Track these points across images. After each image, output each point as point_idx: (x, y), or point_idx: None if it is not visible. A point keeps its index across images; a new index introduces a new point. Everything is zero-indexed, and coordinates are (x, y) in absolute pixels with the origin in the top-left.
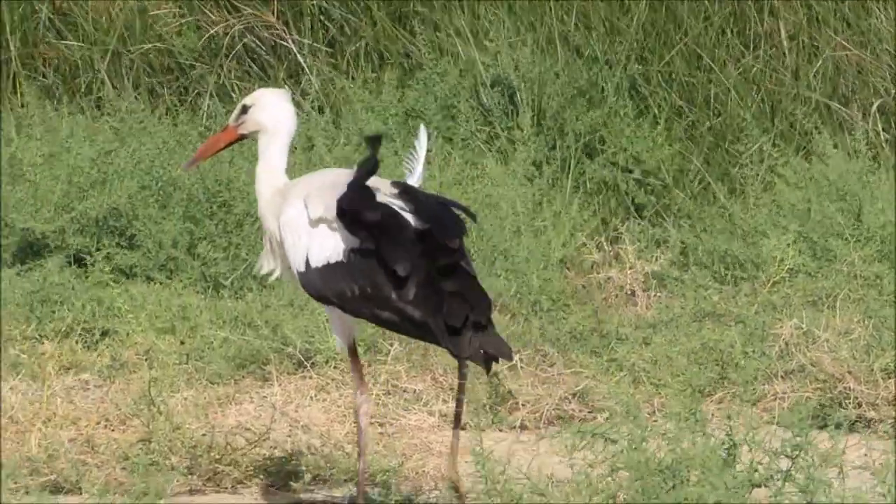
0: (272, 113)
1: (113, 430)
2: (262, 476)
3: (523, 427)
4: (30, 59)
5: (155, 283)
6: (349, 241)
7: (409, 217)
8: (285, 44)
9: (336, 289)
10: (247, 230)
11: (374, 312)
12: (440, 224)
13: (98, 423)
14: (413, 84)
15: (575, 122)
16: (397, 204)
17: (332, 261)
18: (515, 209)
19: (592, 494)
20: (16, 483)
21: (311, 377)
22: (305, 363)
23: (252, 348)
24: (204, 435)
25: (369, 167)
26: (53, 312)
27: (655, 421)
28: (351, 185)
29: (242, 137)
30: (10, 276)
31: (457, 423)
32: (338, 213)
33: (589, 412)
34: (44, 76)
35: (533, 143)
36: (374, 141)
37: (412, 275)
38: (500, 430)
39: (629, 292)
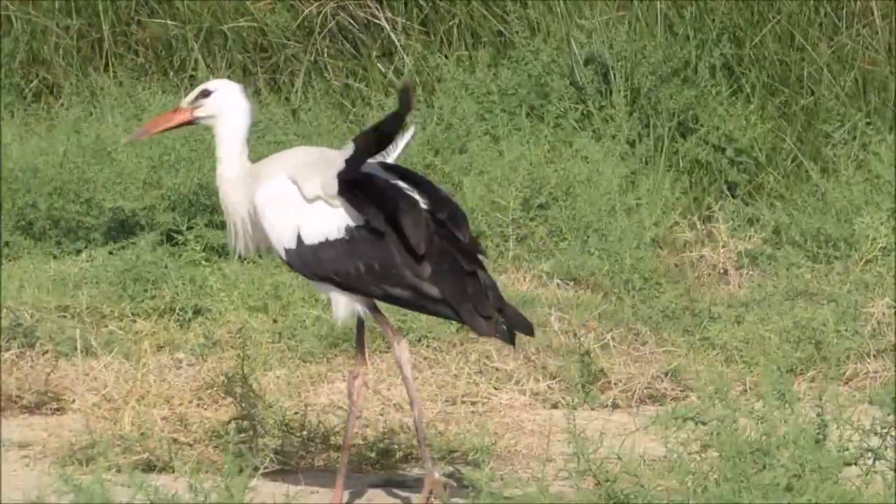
0: (232, 102)
1: (206, 409)
2: (353, 454)
3: (615, 406)
4: (122, 37)
5: (247, 262)
6: (352, 218)
7: (417, 198)
8: (378, 22)
9: (336, 267)
10: None
11: (384, 290)
12: (448, 208)
13: (191, 401)
14: (506, 63)
15: (668, 100)
16: (404, 184)
17: (332, 238)
18: (608, 187)
19: (685, 474)
20: (108, 461)
21: None
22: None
23: (345, 327)
24: (296, 413)
25: (379, 141)
26: (146, 291)
27: (747, 400)
28: (353, 159)
29: (192, 122)
30: (102, 255)
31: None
32: (342, 190)
33: (681, 391)
34: (136, 54)
35: (626, 121)
36: (405, 94)
37: (429, 252)
38: (592, 409)
39: (721, 271)
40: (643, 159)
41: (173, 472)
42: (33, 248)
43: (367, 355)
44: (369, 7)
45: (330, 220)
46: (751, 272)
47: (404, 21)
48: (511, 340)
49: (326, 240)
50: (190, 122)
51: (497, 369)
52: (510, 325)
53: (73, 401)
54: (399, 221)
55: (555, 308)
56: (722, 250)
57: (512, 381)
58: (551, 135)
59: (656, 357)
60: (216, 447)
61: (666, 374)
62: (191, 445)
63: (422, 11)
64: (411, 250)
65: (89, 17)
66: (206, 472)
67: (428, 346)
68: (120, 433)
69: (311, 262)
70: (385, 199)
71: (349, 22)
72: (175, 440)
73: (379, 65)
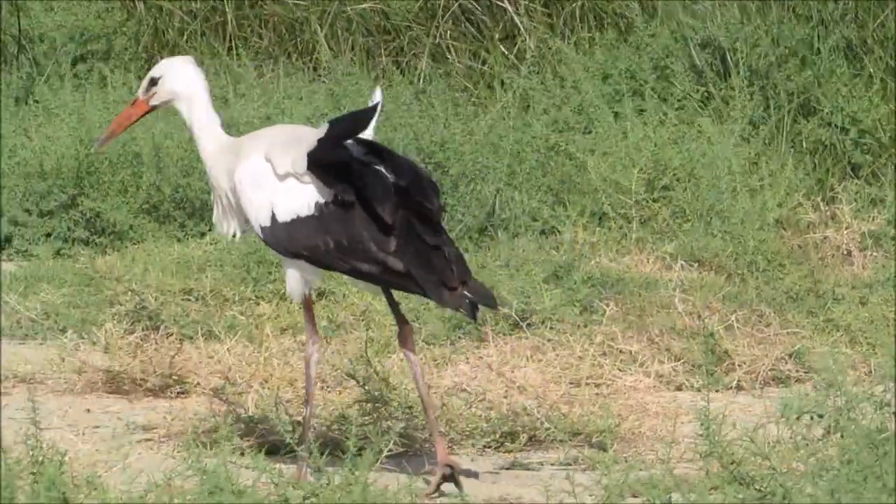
0: (182, 80)
1: (329, 392)
2: (477, 437)
3: (739, 388)
4: (246, 19)
5: None
6: (321, 195)
7: (384, 171)
8: (501, 4)
9: (307, 243)
10: (462, 191)
11: (352, 265)
12: (417, 181)
13: (314, 384)
14: (628, 45)
15: (787, 82)
16: (371, 159)
17: (302, 214)
18: (731, 169)
19: (809, 456)
20: (232, 444)
21: (526, 337)
22: (521, 323)
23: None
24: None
25: (355, 125)
26: (269, 273)
27: (871, 382)
28: (326, 139)
29: (153, 109)
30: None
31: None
32: (310, 166)
33: (805, 372)
34: (260, 37)
35: (747, 102)
36: (372, 110)
37: (394, 226)
38: (717, 391)
39: (845, 252)
40: (765, 141)
41: (297, 454)
42: (158, 231)
43: (317, 331)
44: None
45: (300, 197)
46: (874, 253)
47: (527, 3)
48: (474, 315)
49: (297, 217)
50: (152, 110)
51: (621, 351)
52: (474, 298)
53: (197, 384)
54: (366, 194)
55: (678, 290)
56: (845, 231)
57: (636, 363)
58: (674, 117)
59: (780, 339)
60: (340, 430)
61: (790, 356)
62: (315, 428)
63: None
64: (379, 223)
65: (214, 1)
66: (330, 454)
67: (552, 328)
68: (244, 416)
69: (284, 239)
70: (351, 172)
71: (472, 4)
72: (299, 423)
73: (501, 47)
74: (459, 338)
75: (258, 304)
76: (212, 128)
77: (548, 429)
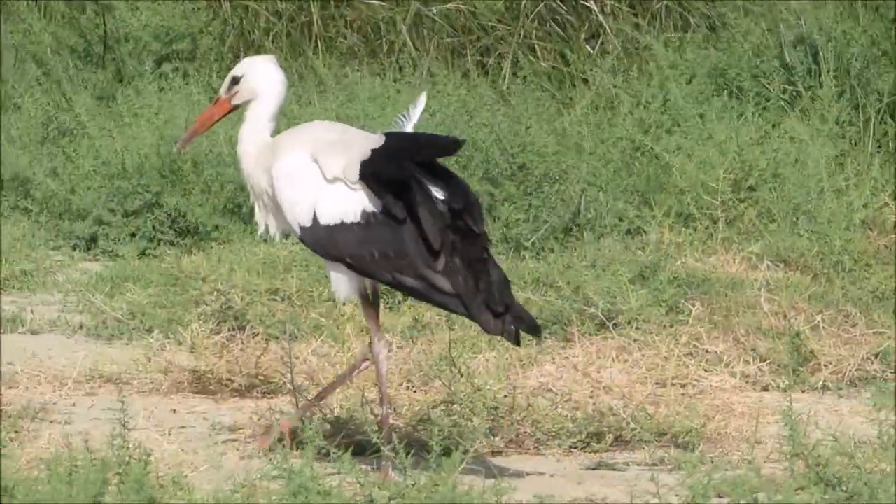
0: (265, 80)
1: (415, 392)
2: (563, 437)
3: (825, 388)
4: (331, 20)
5: None
6: (371, 204)
7: (434, 189)
8: (586, 4)
9: (351, 250)
10: (547, 192)
11: (395, 277)
12: (469, 205)
13: (400, 384)
14: (717, 44)
15: (878, 81)
16: (425, 177)
17: (348, 221)
18: (817, 169)
19: None
20: (318, 444)
21: (612, 338)
22: (607, 324)
23: (554, 309)
24: (505, 396)
25: (418, 150)
26: None
27: None
28: (385, 153)
29: (235, 108)
30: None
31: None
32: (363, 176)
33: (892, 372)
34: (345, 37)
35: (836, 102)
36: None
37: (443, 245)
38: (802, 392)
39: None
40: (852, 140)
41: (382, 454)
42: (243, 231)
43: (381, 329)
44: None
45: (348, 203)
46: None
47: (613, 3)
48: (517, 341)
49: (342, 222)
50: (234, 109)
51: (707, 351)
52: (517, 323)
53: (283, 384)
54: (416, 213)
55: (764, 290)
56: None
57: (722, 364)
58: (760, 116)
59: (866, 339)
60: (425, 430)
61: (876, 356)
62: (400, 428)
63: None
64: (427, 242)
65: (299, 1)
66: (415, 455)
67: (638, 328)
68: (330, 416)
69: (326, 242)
70: (404, 188)
71: (557, 4)
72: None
73: (587, 46)
74: (545, 338)
75: (343, 303)
76: (265, 130)
77: (633, 429)
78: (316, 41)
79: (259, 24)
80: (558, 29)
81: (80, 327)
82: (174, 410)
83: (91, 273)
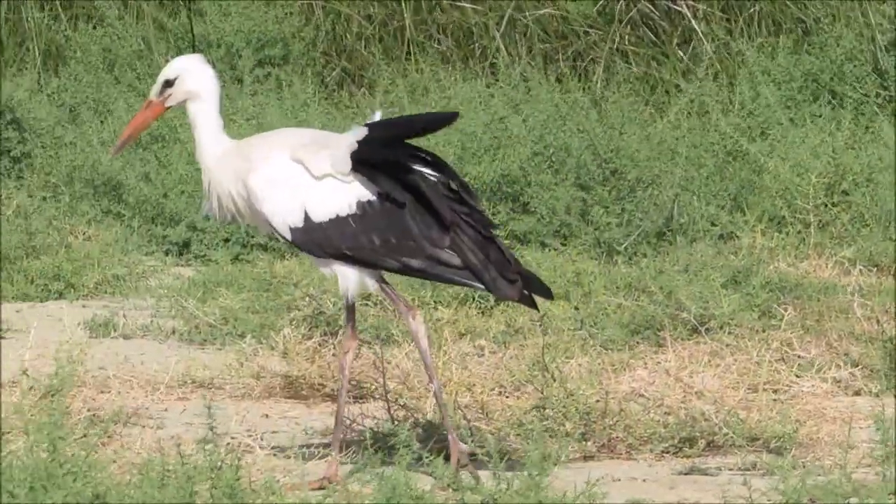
0: (198, 80)
1: (507, 397)
2: (655, 442)
3: None
4: (424, 25)
5: (549, 249)
6: (367, 193)
7: (426, 170)
8: (679, 9)
9: (350, 242)
10: (639, 196)
11: (401, 262)
12: (462, 183)
13: (492, 389)
14: (808, 49)
15: None
16: (414, 161)
17: (343, 214)
18: None
19: None
20: (410, 449)
21: (705, 342)
22: (699, 328)
23: (646, 314)
24: (598, 401)
25: (400, 129)
26: None
27: None
28: (371, 140)
29: (167, 109)
30: None
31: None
32: (356, 165)
33: None
34: (438, 42)
35: None
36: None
37: (450, 220)
38: (895, 396)
39: None
40: None
41: (475, 459)
42: None
43: (356, 331)
44: None
45: (341, 197)
46: None
47: (705, 8)
48: (534, 304)
49: (337, 216)
50: (166, 111)
51: (799, 357)
52: (530, 289)
53: (375, 389)
54: (420, 192)
55: (857, 295)
56: None
57: (814, 369)
58: (853, 121)
59: None
60: (518, 435)
61: None
62: (492, 433)
63: None
64: (435, 220)
65: (391, 6)
66: (508, 460)
67: (730, 332)
68: (422, 421)
69: (321, 239)
70: (400, 172)
71: (650, 9)
72: (477, 428)
73: (679, 51)
74: (637, 343)
75: (436, 308)
76: (217, 130)
77: (726, 434)
78: (408, 46)
79: (351, 28)
80: (650, 34)
81: (173, 332)
82: (266, 415)
83: (184, 278)
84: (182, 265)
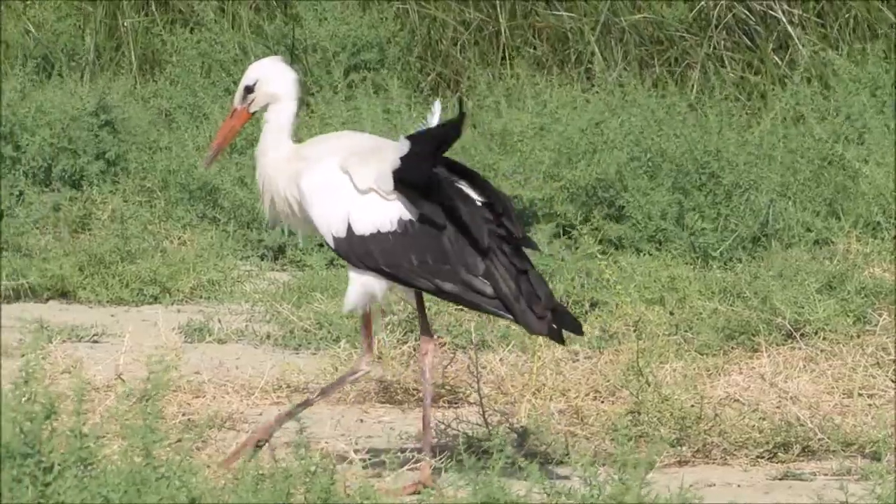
0: (281, 82)
1: (602, 402)
2: (750, 447)
3: None
4: (520, 30)
5: (643, 254)
6: (407, 212)
7: (471, 192)
8: (775, 14)
9: (389, 259)
10: (735, 201)
11: (436, 284)
12: (505, 205)
13: (587, 394)
14: None
15: None
16: (457, 179)
17: (384, 230)
18: None
19: None
20: (504, 454)
21: (800, 348)
22: (794, 334)
23: (741, 319)
24: (693, 406)
25: (438, 142)
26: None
27: None
28: (411, 157)
29: (252, 115)
30: None
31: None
32: (397, 185)
33: None
34: (534, 47)
35: None
36: (462, 117)
37: (488, 250)
38: None
39: None
40: None
41: (569, 465)
42: None
43: (373, 348)
44: None
45: (383, 213)
46: None
47: (800, 14)
48: (561, 339)
49: (378, 231)
50: (251, 117)
51: (894, 361)
52: (560, 324)
53: (470, 394)
54: (458, 217)
55: None
56: None
57: None
58: None
59: None
60: (612, 440)
61: None
62: (587, 438)
63: (818, 3)
64: (471, 245)
65: (487, 11)
66: (603, 464)
67: (825, 338)
68: (516, 426)
69: (361, 252)
70: (442, 194)
71: (745, 14)
72: (571, 433)
73: (774, 57)
74: (732, 348)
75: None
76: (286, 132)
77: (821, 439)
78: (504, 50)
79: (447, 33)
80: (746, 39)
81: (268, 337)
82: (361, 420)
83: (279, 283)
84: (277, 270)
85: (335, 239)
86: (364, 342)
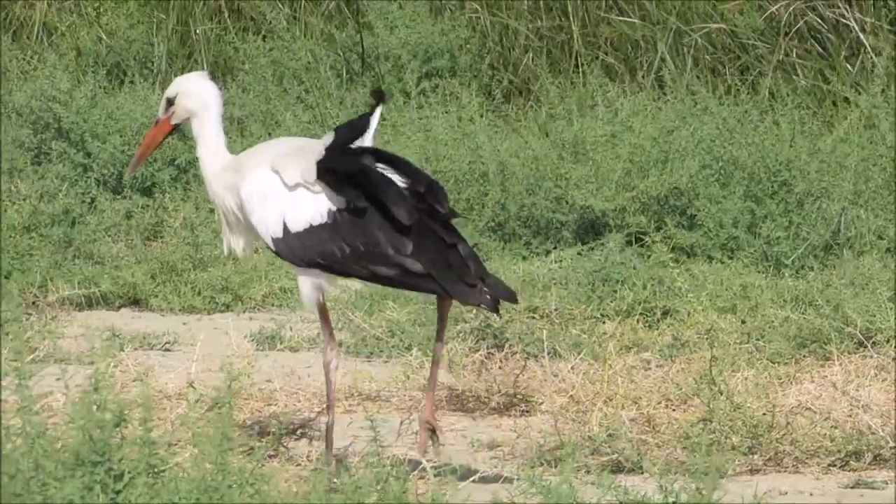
0: (197, 97)
1: (674, 410)
2: (822, 456)
3: None
4: (592, 38)
5: (716, 262)
6: (334, 202)
7: (394, 176)
8: (847, 22)
9: (323, 250)
10: (807, 209)
11: (370, 270)
12: (430, 186)
13: (659, 402)
14: None
15: None
16: (382, 166)
17: (315, 223)
18: None
19: None
20: (576, 462)
21: (871, 356)
22: (866, 342)
23: (813, 327)
24: (764, 414)
25: (354, 129)
26: (615, 292)
27: None
28: (333, 147)
29: (176, 127)
30: (571, 256)
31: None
32: (321, 174)
33: None
34: (605, 55)
35: None
36: (378, 97)
37: (411, 228)
38: None
39: None
40: None
41: (642, 472)
42: (502, 249)
43: (335, 338)
44: (838, 7)
45: (312, 206)
46: None
47: (873, 21)
48: (495, 309)
49: (311, 226)
50: (175, 128)
51: None
52: (494, 293)
53: (542, 402)
54: (380, 198)
55: None
56: None
57: None
58: None
59: None
60: (684, 448)
61: None
62: (659, 447)
63: (890, 11)
64: (395, 226)
65: (559, 19)
66: (675, 472)
67: None
68: (588, 434)
69: (298, 248)
70: (363, 179)
71: (817, 22)
72: (643, 441)
73: (847, 64)
74: (804, 356)
75: (602, 322)
76: (218, 146)
77: (893, 448)
78: (576, 59)
79: (518, 41)
80: (818, 47)
81: (340, 345)
82: None
83: (350, 291)
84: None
85: (274, 241)
86: (325, 335)
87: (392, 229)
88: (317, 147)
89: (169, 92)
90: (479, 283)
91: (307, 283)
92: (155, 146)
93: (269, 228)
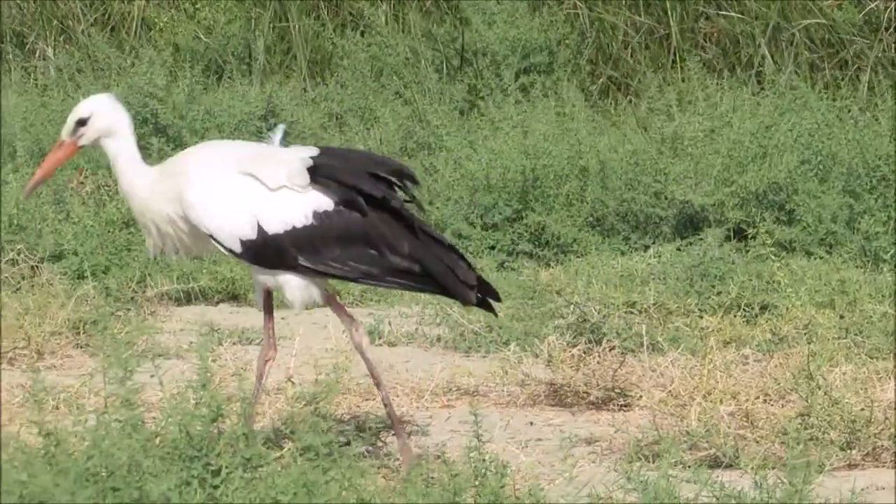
0: (109, 118)
1: (771, 405)
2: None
3: None
4: (690, 33)
5: (814, 258)
6: (321, 203)
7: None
8: None
9: (308, 253)
10: None
11: (361, 270)
12: (406, 173)
13: (757, 397)
14: None
15: None
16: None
17: (299, 225)
18: None
19: None
20: (674, 457)
21: None
22: None
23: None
24: (863, 409)
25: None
26: (713, 287)
27: None
28: (324, 155)
29: (81, 148)
30: (669, 251)
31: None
32: (314, 177)
33: None
34: (704, 50)
35: None
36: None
37: (406, 230)
38: None
39: None
40: None
41: (739, 468)
42: (601, 244)
43: (354, 316)
44: None
45: (297, 208)
46: None
47: None
48: (491, 308)
49: (293, 227)
50: (79, 150)
51: None
52: (484, 293)
53: (640, 397)
54: (379, 201)
55: None
56: None
57: None
58: None
59: None
60: (782, 443)
61: None
62: (757, 442)
63: None
64: (393, 228)
65: (658, 14)
66: (772, 468)
67: None
68: (686, 429)
69: (274, 250)
70: (358, 181)
71: None
72: (741, 436)
73: None
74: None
75: (701, 316)
76: (138, 161)
77: None
78: (675, 54)
79: (617, 36)
80: None
81: (438, 340)
82: (531, 423)
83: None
84: None
85: (244, 243)
86: (342, 318)
87: (387, 231)
88: (292, 154)
89: (80, 113)
90: (476, 283)
91: (295, 287)
92: (55, 169)
93: (236, 232)
